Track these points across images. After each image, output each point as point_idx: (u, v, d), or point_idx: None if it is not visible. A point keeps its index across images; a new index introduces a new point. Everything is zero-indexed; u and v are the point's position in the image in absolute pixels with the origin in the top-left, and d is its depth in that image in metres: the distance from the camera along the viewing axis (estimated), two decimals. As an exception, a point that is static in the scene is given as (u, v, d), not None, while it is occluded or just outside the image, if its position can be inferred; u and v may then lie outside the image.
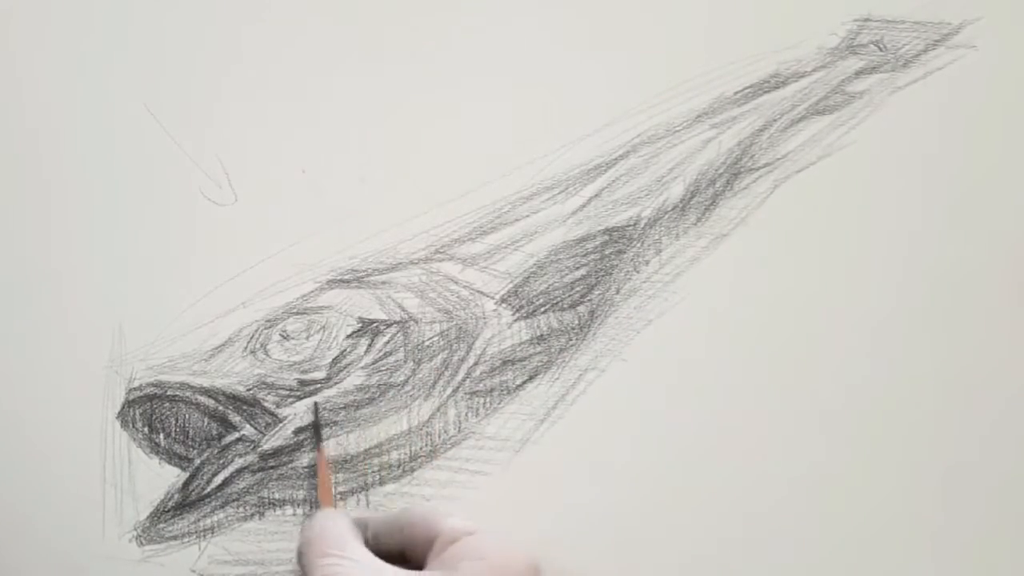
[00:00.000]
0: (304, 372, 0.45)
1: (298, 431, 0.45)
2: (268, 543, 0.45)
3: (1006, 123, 0.49)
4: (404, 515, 0.42)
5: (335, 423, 0.45)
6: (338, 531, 0.40)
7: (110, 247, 0.46)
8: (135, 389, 0.45)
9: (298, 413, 0.45)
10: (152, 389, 0.45)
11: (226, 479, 0.45)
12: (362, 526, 0.42)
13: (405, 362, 0.46)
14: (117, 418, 0.45)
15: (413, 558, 0.41)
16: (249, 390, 0.45)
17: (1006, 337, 0.47)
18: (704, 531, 0.46)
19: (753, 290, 0.47)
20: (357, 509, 0.45)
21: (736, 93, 0.49)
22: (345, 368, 0.45)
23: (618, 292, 0.47)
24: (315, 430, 0.44)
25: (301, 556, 0.40)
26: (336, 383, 0.45)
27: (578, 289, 0.47)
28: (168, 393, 0.45)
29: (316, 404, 0.45)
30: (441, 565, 0.39)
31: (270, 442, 0.45)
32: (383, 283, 0.47)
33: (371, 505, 0.45)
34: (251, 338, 0.46)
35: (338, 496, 0.45)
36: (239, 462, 0.45)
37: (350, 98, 0.48)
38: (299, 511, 0.45)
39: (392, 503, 0.45)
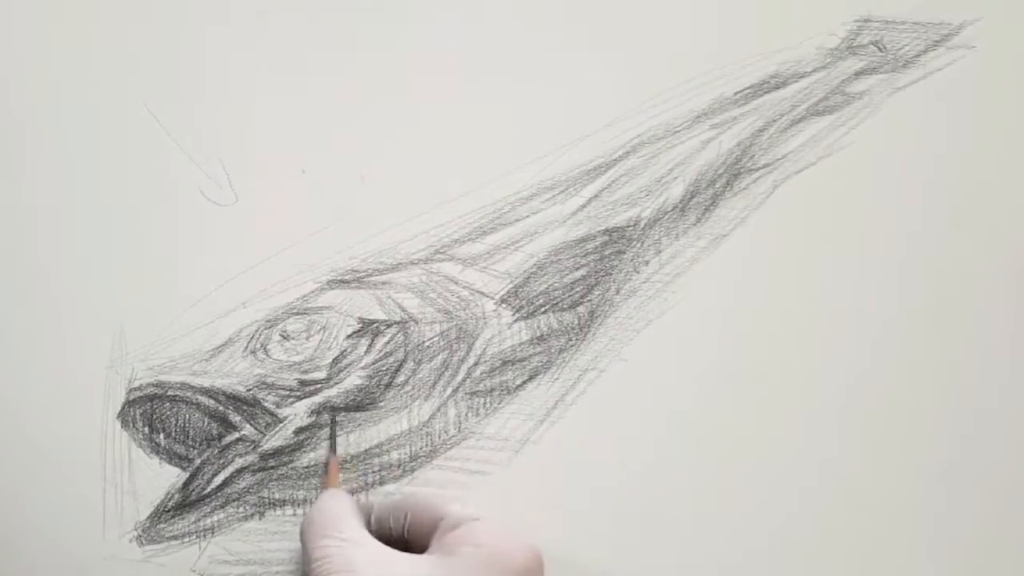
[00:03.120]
0: (304, 372, 0.45)
1: (298, 431, 0.45)
2: (268, 543, 0.45)
3: (1006, 123, 0.49)
4: (409, 499, 0.42)
5: (335, 423, 0.45)
6: (338, 511, 0.40)
7: (110, 247, 0.46)
8: (135, 389, 0.45)
9: (298, 413, 0.45)
10: (152, 389, 0.45)
11: (226, 479, 0.45)
12: (365, 510, 0.43)
13: (405, 362, 0.46)
14: (117, 418, 0.45)
15: (415, 542, 0.41)
16: (249, 390, 0.45)
17: (1007, 336, 0.48)
18: (704, 530, 0.46)
19: (753, 290, 0.47)
20: (361, 494, 0.45)
21: (736, 93, 0.49)
22: (345, 368, 0.46)
23: (618, 292, 0.47)
24: (331, 440, 0.45)
25: (302, 535, 0.40)
26: (336, 383, 0.45)
27: (578, 289, 0.47)
28: (168, 393, 0.45)
29: (334, 417, 0.45)
30: (441, 549, 0.39)
31: (270, 442, 0.45)
32: (383, 283, 0.47)
33: (371, 505, 0.45)
34: (251, 338, 0.46)
35: (338, 496, 0.45)
36: (239, 462, 0.45)
37: (350, 98, 0.48)
38: (299, 511, 0.45)
39: (392, 503, 0.45)
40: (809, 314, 0.47)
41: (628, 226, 0.48)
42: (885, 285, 0.48)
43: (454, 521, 0.40)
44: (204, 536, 0.45)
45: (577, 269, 0.47)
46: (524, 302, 0.47)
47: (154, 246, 0.46)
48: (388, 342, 0.46)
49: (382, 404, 0.46)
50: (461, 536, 0.39)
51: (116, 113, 0.47)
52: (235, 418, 0.45)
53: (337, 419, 0.45)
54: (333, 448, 0.45)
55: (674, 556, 0.46)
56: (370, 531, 0.42)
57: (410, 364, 0.46)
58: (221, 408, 0.45)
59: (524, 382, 0.46)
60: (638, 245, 0.48)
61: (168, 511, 0.45)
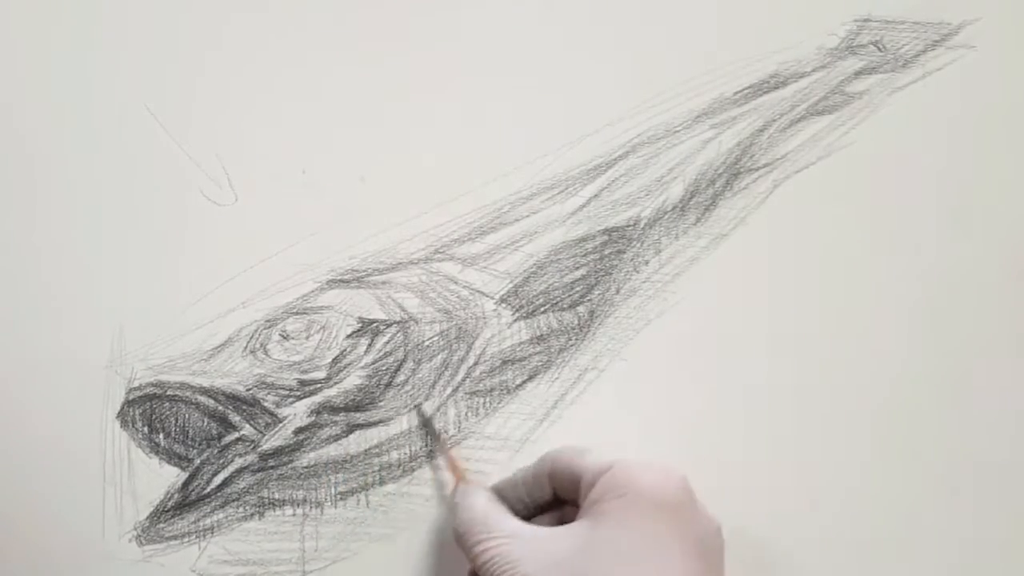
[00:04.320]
0: (304, 372, 0.45)
1: (298, 431, 0.45)
2: (268, 543, 0.45)
3: (1005, 123, 0.49)
4: (544, 464, 0.42)
5: (334, 423, 0.45)
6: (482, 514, 0.41)
7: (110, 247, 0.46)
8: (135, 389, 0.45)
9: (298, 413, 0.45)
10: (152, 389, 0.45)
11: (226, 479, 0.45)
12: (512, 486, 0.43)
13: (405, 362, 0.46)
14: (117, 418, 0.45)
15: (568, 500, 0.42)
16: (249, 390, 0.45)
17: (1007, 336, 0.48)
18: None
19: (752, 290, 0.47)
20: (502, 475, 0.45)
21: (736, 93, 0.49)
22: (345, 368, 0.46)
23: (618, 292, 0.47)
24: (429, 429, 0.45)
25: (460, 541, 0.41)
26: (336, 383, 0.45)
27: (578, 289, 0.47)
28: (168, 393, 0.45)
29: (421, 409, 0.45)
30: (589, 512, 0.39)
31: (270, 442, 0.45)
32: (383, 283, 0.47)
33: (371, 505, 0.45)
34: (251, 338, 0.46)
35: (338, 496, 0.45)
36: (239, 462, 0.45)
37: (350, 97, 0.48)
38: (299, 511, 0.45)
39: (392, 503, 0.45)
40: (808, 314, 0.47)
41: (628, 226, 0.48)
42: (885, 285, 0.48)
43: (591, 477, 0.40)
44: (204, 536, 0.45)
45: (577, 269, 0.47)
46: (524, 302, 0.47)
47: (154, 246, 0.46)
48: (388, 342, 0.46)
49: (382, 404, 0.46)
50: (604, 488, 0.39)
51: (116, 113, 0.47)
52: (235, 418, 0.45)
53: (424, 410, 0.45)
54: (438, 438, 0.45)
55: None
56: (525, 506, 0.43)
57: (410, 364, 0.46)
58: (221, 408, 0.45)
59: (524, 382, 0.46)
60: (638, 245, 0.48)
61: (168, 511, 0.45)
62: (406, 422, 0.46)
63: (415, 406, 0.45)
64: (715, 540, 0.39)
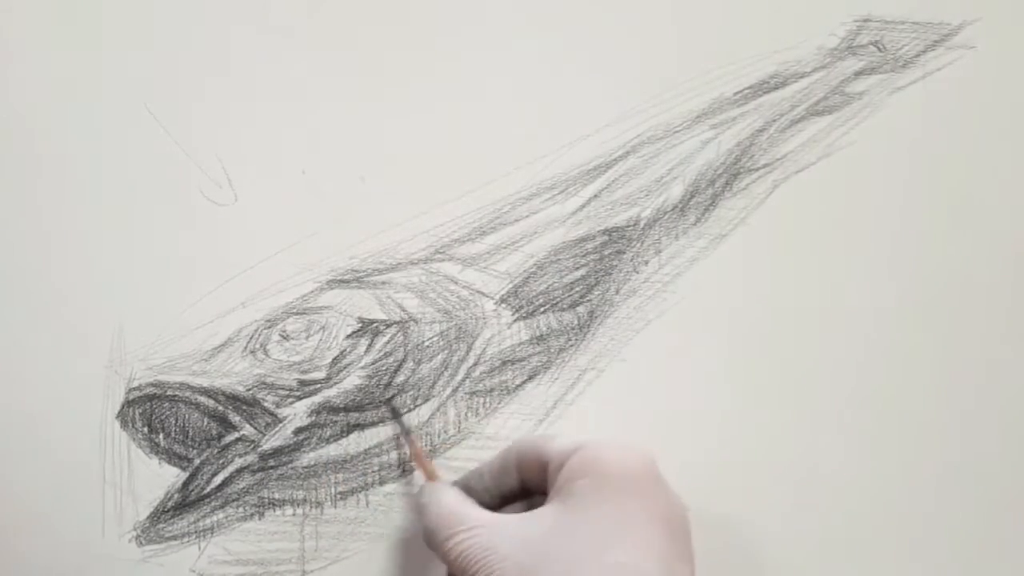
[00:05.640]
0: (304, 372, 0.45)
1: (298, 431, 0.45)
2: (268, 543, 0.45)
3: (1006, 123, 0.49)
4: (511, 453, 0.42)
5: (334, 423, 0.45)
6: (451, 507, 0.40)
7: (110, 247, 0.46)
8: (135, 389, 0.45)
9: (298, 413, 0.45)
10: (152, 389, 0.45)
11: (226, 479, 0.45)
12: (478, 477, 0.43)
13: (405, 362, 0.46)
14: (117, 418, 0.45)
15: (535, 489, 0.42)
16: (249, 390, 0.45)
17: (1006, 336, 0.48)
18: (704, 531, 0.46)
19: (752, 291, 0.47)
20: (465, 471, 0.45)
21: (736, 94, 0.49)
22: (345, 368, 0.46)
23: (617, 292, 0.47)
24: (399, 424, 0.45)
25: (429, 542, 0.41)
26: (336, 383, 0.45)
27: (577, 289, 0.47)
28: (168, 393, 0.45)
29: (393, 406, 0.45)
30: (559, 494, 0.39)
31: (270, 442, 0.45)
32: (383, 283, 0.47)
33: (371, 505, 0.45)
34: (251, 338, 0.46)
35: (338, 496, 0.45)
36: (239, 462, 0.45)
37: (350, 98, 0.48)
38: (299, 511, 0.45)
39: (392, 503, 0.45)
40: (808, 314, 0.47)
41: (628, 226, 0.48)
42: (884, 285, 0.48)
43: (559, 459, 0.40)
44: (203, 536, 0.45)
45: (577, 269, 0.47)
46: (524, 302, 0.47)
47: (154, 246, 0.46)
48: (388, 342, 0.46)
49: (382, 404, 0.46)
50: (573, 470, 0.39)
51: (116, 113, 0.47)
52: (235, 418, 0.45)
53: (393, 403, 0.45)
54: (407, 433, 0.45)
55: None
56: (492, 497, 0.42)
57: (410, 364, 0.46)
58: (220, 408, 0.45)
59: (523, 382, 0.46)
60: (638, 245, 0.48)
61: (167, 511, 0.45)
62: (406, 422, 0.46)
63: (385, 400, 0.45)
64: (682, 520, 0.39)
